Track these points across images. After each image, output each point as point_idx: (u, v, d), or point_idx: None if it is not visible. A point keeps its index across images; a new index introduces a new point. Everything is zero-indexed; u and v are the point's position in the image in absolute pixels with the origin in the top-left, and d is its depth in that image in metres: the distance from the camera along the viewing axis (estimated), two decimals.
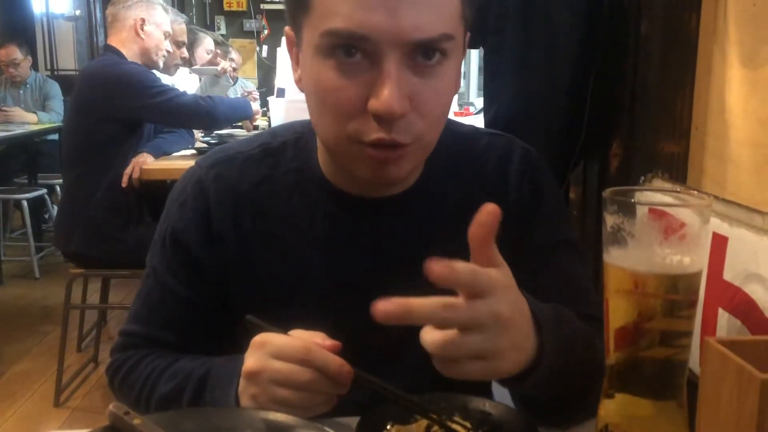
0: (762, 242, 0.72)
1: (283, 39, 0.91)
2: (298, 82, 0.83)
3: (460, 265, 0.68)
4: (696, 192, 0.92)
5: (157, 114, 2.66)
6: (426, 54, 0.73)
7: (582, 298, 0.90)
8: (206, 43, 4.22)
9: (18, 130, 4.68)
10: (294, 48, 0.83)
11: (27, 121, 4.96)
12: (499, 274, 0.71)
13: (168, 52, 2.93)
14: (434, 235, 0.89)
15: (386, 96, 0.71)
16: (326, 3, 0.72)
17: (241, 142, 0.96)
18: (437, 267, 0.67)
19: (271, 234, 0.89)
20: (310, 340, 0.73)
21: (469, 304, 0.68)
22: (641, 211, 0.66)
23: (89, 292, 3.28)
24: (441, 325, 0.69)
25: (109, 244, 2.65)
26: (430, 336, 0.69)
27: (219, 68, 3.90)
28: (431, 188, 0.90)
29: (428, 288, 0.85)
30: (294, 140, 0.92)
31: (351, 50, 0.72)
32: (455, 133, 0.94)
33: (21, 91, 5.25)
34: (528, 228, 0.92)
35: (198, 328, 0.91)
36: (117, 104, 2.59)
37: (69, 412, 2.76)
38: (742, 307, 0.74)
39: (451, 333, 0.68)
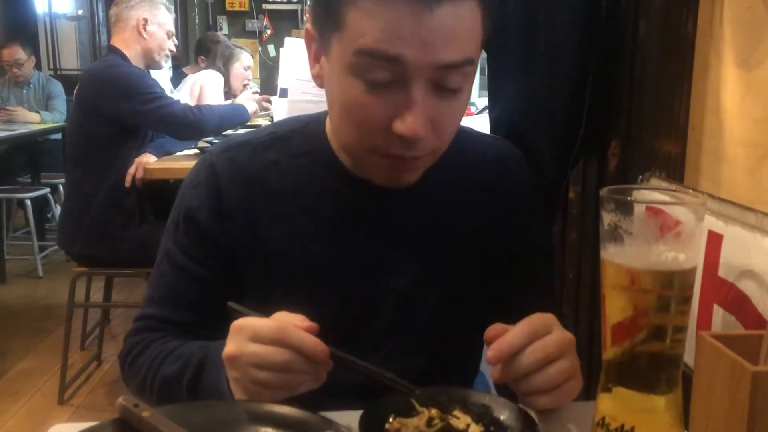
0: (755, 240, 0.74)
1: (286, 39, 0.95)
2: (316, 77, 0.87)
3: (515, 331, 0.77)
4: (691, 190, 0.94)
5: (147, 120, 2.66)
6: (449, 80, 0.78)
7: (555, 303, 1.01)
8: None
9: (21, 130, 4.69)
10: (314, 44, 0.86)
11: (30, 120, 4.97)
12: (537, 317, 0.79)
13: (171, 51, 2.93)
14: (437, 219, 0.95)
15: (412, 122, 0.76)
16: (360, 26, 0.75)
17: (249, 132, 1.01)
18: (495, 353, 0.76)
19: (279, 212, 0.93)
20: (286, 321, 0.76)
21: (548, 338, 0.76)
22: (637, 209, 0.68)
23: (92, 290, 3.30)
24: (539, 363, 0.76)
25: (112, 244, 2.67)
26: (530, 382, 0.76)
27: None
28: (438, 182, 0.94)
29: (430, 269, 0.95)
30: (301, 127, 0.96)
31: (380, 72, 0.76)
32: (461, 134, 0.97)
33: (24, 91, 5.26)
34: (518, 231, 0.99)
35: (211, 308, 0.92)
36: (114, 106, 2.61)
37: (73, 410, 2.78)
38: (736, 302, 0.76)
39: (548, 370, 0.76)
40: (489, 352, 0.76)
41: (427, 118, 0.77)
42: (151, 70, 2.93)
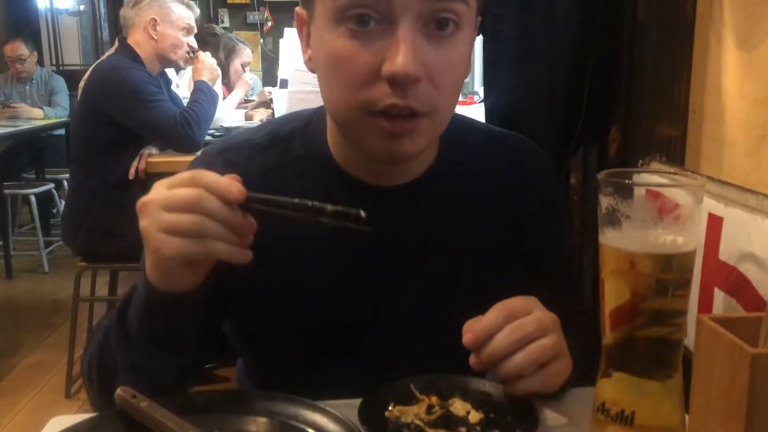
0: (756, 222, 0.73)
1: (286, 30, 0.91)
2: (308, 62, 0.83)
3: (490, 314, 0.74)
4: (689, 173, 0.93)
5: (140, 128, 2.62)
6: (439, 23, 0.73)
7: (573, 298, 0.96)
8: (244, 55, 4.00)
9: (25, 126, 4.71)
10: (304, 27, 0.82)
11: (33, 116, 4.98)
12: (515, 299, 0.76)
13: (190, 47, 2.85)
14: (444, 225, 0.89)
15: (401, 59, 0.70)
16: None
17: (247, 130, 0.95)
18: (470, 336, 0.73)
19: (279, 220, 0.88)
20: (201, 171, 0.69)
21: (527, 319, 0.73)
22: (635, 192, 0.67)
23: (98, 285, 3.31)
24: (518, 343, 0.73)
25: (115, 242, 2.66)
26: (508, 363, 0.72)
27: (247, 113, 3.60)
28: (443, 178, 0.89)
29: (436, 277, 0.89)
30: (302, 127, 0.91)
31: (364, 17, 0.71)
32: (469, 126, 0.95)
33: (27, 87, 5.27)
34: (539, 236, 0.93)
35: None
36: (113, 109, 2.60)
37: (80, 403, 2.80)
38: (737, 285, 0.75)
39: (528, 348, 0.72)
40: (465, 335, 0.73)
41: (418, 58, 0.71)
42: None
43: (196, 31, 2.88)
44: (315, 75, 0.82)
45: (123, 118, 2.60)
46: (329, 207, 0.67)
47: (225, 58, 3.87)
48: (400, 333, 0.87)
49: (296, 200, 0.68)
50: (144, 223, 0.69)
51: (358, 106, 0.75)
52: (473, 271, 0.89)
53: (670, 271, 0.67)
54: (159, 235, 0.67)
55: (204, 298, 0.74)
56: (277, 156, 0.89)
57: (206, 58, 2.86)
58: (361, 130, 0.77)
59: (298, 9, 0.82)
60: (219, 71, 2.91)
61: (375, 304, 0.88)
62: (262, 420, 0.73)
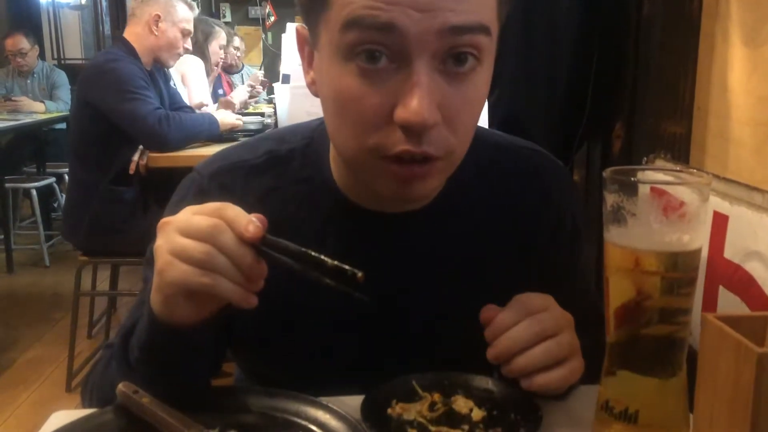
0: (762, 220, 0.73)
1: (288, 25, 0.87)
2: (311, 85, 0.76)
3: (508, 307, 0.73)
4: (695, 170, 0.92)
5: (120, 121, 2.60)
6: (459, 58, 0.66)
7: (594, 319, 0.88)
8: (220, 38, 4.10)
9: (26, 120, 4.70)
10: (306, 47, 0.76)
11: (35, 110, 4.98)
12: (532, 296, 0.75)
13: (185, 49, 2.86)
14: (453, 251, 0.84)
15: (416, 105, 0.64)
16: None
17: (244, 147, 0.89)
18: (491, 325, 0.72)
19: None
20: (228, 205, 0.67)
21: (545, 314, 0.73)
22: (641, 190, 0.67)
23: (99, 279, 3.31)
24: (536, 337, 0.72)
25: (115, 237, 2.67)
26: (526, 356, 0.71)
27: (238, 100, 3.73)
28: (454, 204, 0.83)
29: (444, 304, 0.85)
30: (302, 147, 0.85)
31: (375, 53, 0.65)
32: (482, 142, 0.84)
33: (28, 81, 5.27)
34: (556, 258, 0.89)
35: None
36: (102, 101, 2.59)
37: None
38: (742, 284, 0.75)
39: (547, 342, 0.72)
40: (486, 331, 0.73)
41: (434, 103, 0.65)
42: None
43: (192, 33, 2.88)
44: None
45: (107, 109, 2.59)
46: (329, 262, 0.64)
47: (204, 41, 3.91)
48: (406, 358, 0.84)
49: (310, 251, 0.65)
50: (158, 242, 0.67)
51: (367, 150, 0.69)
52: (483, 298, 0.81)
53: (675, 270, 0.67)
54: (167, 256, 0.65)
55: (210, 335, 0.71)
56: (276, 178, 0.84)
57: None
58: (370, 172, 0.72)
59: (299, 27, 0.76)
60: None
61: (383, 332, 0.85)
62: (264, 416, 0.73)
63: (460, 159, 0.74)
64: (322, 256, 0.64)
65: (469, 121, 0.71)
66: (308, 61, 0.76)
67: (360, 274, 0.63)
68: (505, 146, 0.90)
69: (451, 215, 0.83)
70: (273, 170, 0.84)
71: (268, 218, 0.79)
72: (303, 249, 0.65)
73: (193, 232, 0.64)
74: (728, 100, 0.89)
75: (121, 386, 0.72)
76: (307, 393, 0.74)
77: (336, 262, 0.64)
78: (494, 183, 0.86)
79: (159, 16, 2.72)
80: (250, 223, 0.64)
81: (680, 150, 1.01)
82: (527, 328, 0.72)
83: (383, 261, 0.81)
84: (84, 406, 0.82)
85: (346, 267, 0.63)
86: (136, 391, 0.71)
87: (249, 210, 0.72)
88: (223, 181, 0.84)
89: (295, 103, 2.42)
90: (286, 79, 2.69)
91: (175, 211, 0.83)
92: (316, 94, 0.75)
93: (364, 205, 0.82)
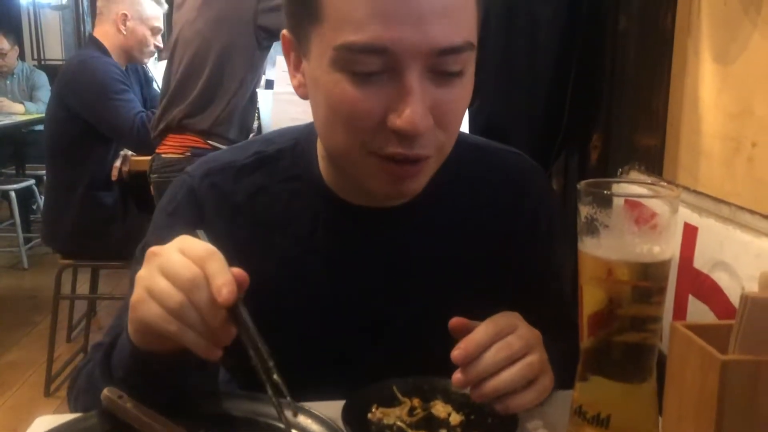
0: (728, 231, 0.76)
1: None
2: (298, 88, 0.78)
3: (479, 331, 0.73)
4: (665, 183, 0.95)
5: (99, 124, 2.59)
6: (448, 66, 0.69)
7: (564, 310, 0.93)
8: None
9: (5, 121, 4.66)
10: (293, 52, 0.77)
11: (14, 111, 4.93)
12: (501, 316, 0.75)
13: (156, 46, 2.83)
14: (436, 245, 0.87)
15: (409, 114, 0.67)
16: (340, 13, 0.66)
17: (233, 149, 0.92)
18: (459, 353, 0.72)
19: (269, 244, 0.85)
20: (219, 254, 0.66)
21: (513, 336, 0.73)
22: (613, 203, 0.69)
23: (78, 282, 3.29)
24: (505, 361, 0.72)
25: (95, 241, 2.65)
26: (497, 380, 0.72)
27: None
28: (435, 197, 0.85)
29: (427, 297, 0.87)
30: (290, 147, 0.88)
31: (369, 64, 0.67)
32: (461, 143, 0.87)
33: (8, 82, 5.22)
34: (534, 256, 0.92)
35: None
36: (80, 103, 2.57)
37: (60, 402, 2.78)
38: (710, 293, 0.78)
39: (516, 365, 0.73)
40: (454, 351, 0.72)
41: (426, 109, 0.68)
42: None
43: (162, 30, 2.85)
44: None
45: (87, 113, 2.57)
46: (274, 376, 0.65)
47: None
48: (392, 353, 0.86)
49: (265, 352, 0.65)
50: (141, 272, 0.67)
51: (359, 148, 0.72)
52: (463, 289, 0.87)
53: (645, 279, 0.69)
54: (143, 293, 0.65)
55: (191, 357, 0.68)
56: (265, 177, 0.86)
57: None
58: (363, 171, 0.74)
59: (285, 33, 0.78)
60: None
61: (368, 325, 0.87)
62: (247, 420, 0.74)
63: (447, 153, 0.77)
64: (270, 364, 0.64)
65: (458, 119, 0.75)
66: (295, 65, 0.78)
67: (290, 402, 0.65)
68: (484, 147, 0.94)
69: (434, 211, 0.86)
70: (262, 169, 0.86)
71: (258, 215, 0.84)
72: (259, 344, 0.65)
73: (173, 277, 0.64)
74: (699, 114, 0.92)
75: (105, 391, 0.73)
76: (291, 389, 0.74)
77: (278, 379, 0.64)
78: (474, 181, 0.89)
79: (126, 15, 2.68)
80: (226, 285, 0.62)
81: (654, 162, 1.04)
82: (496, 354, 0.72)
83: (370, 254, 0.85)
84: (70, 410, 0.83)
85: (284, 389, 0.64)
86: (121, 396, 0.72)
87: (240, 209, 0.76)
88: (213, 181, 0.85)
89: (279, 108, 2.43)
90: (270, 84, 2.70)
91: (164, 219, 0.87)
92: (304, 97, 0.77)
93: (352, 202, 0.84)
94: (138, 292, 0.66)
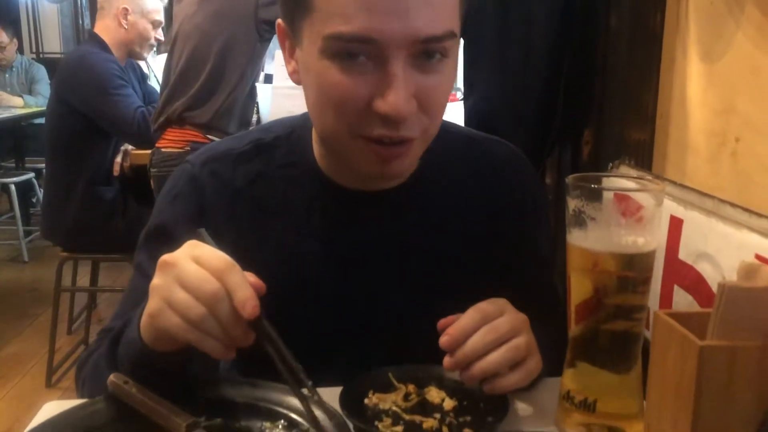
0: (711, 224, 0.78)
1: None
2: (293, 74, 0.83)
3: (465, 316, 0.76)
4: (651, 177, 0.98)
5: (101, 120, 2.60)
6: (430, 54, 0.73)
7: (549, 297, 0.97)
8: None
9: (4, 114, 4.67)
10: (287, 40, 0.82)
11: (13, 105, 4.94)
12: (488, 302, 0.78)
13: (157, 39, 2.84)
14: (427, 228, 0.91)
15: (393, 99, 0.71)
16: (330, 5, 0.71)
17: (231, 139, 0.96)
18: (446, 338, 0.75)
19: (267, 228, 0.89)
20: (236, 265, 0.68)
21: (500, 320, 0.76)
22: (600, 196, 0.72)
23: (79, 274, 3.31)
24: (492, 344, 0.75)
25: (95, 237, 2.67)
26: (485, 362, 0.75)
27: None
28: (427, 183, 0.90)
29: (419, 278, 0.91)
30: (286, 135, 0.92)
31: (356, 54, 0.71)
32: (452, 133, 0.95)
33: (7, 75, 5.23)
34: (520, 242, 0.95)
35: None
36: (80, 100, 2.58)
37: (61, 392, 2.81)
38: (694, 283, 0.81)
39: (503, 348, 0.75)
40: (442, 338, 0.75)
41: (410, 95, 0.72)
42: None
43: (163, 23, 2.84)
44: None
45: (86, 108, 2.58)
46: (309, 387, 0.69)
47: None
48: (383, 333, 0.90)
49: (295, 364, 0.68)
50: (157, 281, 0.68)
51: (348, 131, 0.76)
52: (454, 273, 0.91)
53: (631, 270, 0.72)
54: (161, 303, 0.67)
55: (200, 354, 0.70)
56: (262, 164, 0.90)
57: None
58: (351, 151, 0.78)
59: (279, 22, 0.82)
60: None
61: (360, 307, 0.90)
62: (248, 405, 0.76)
63: (433, 136, 0.81)
64: (301, 376, 0.68)
65: (441, 103, 0.79)
66: (289, 52, 0.82)
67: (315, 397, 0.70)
68: (472, 137, 0.98)
69: (425, 197, 0.90)
70: (259, 156, 0.90)
71: (257, 200, 0.88)
72: (288, 357, 0.68)
73: (193, 290, 0.66)
74: (687, 111, 0.95)
75: (112, 377, 0.75)
76: None
77: (310, 393, 0.69)
78: (462, 167, 0.93)
79: (127, 9, 2.68)
80: (249, 300, 0.65)
81: (643, 157, 1.07)
82: (483, 337, 0.75)
83: (364, 237, 0.89)
84: (77, 396, 0.86)
85: (318, 397, 0.69)
86: (126, 381, 0.74)
87: (238, 194, 0.79)
88: (213, 168, 0.89)
89: (277, 103, 2.46)
90: (269, 78, 2.72)
91: (166, 206, 0.90)
92: (297, 83, 0.82)
93: (346, 186, 0.88)
94: (156, 303, 0.68)
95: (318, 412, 0.74)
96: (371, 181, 0.88)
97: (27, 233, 4.62)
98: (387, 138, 0.75)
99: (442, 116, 0.81)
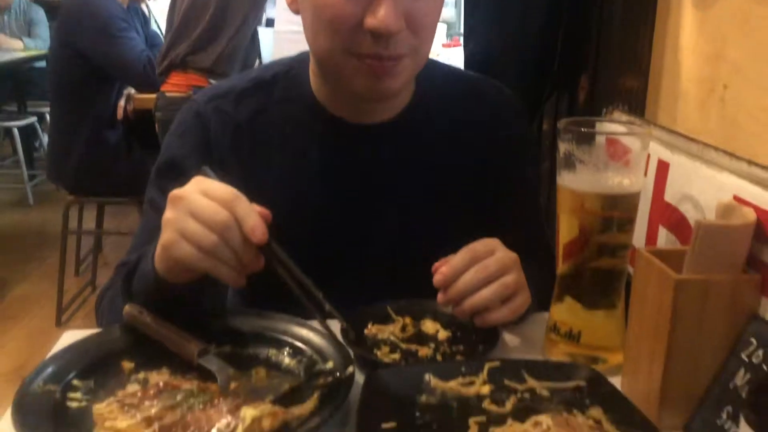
0: (695, 167, 0.82)
1: None
2: (292, 3, 0.88)
3: (457, 256, 0.80)
4: (638, 121, 1.01)
5: (106, 63, 2.60)
6: None
7: (538, 235, 1.02)
8: None
9: (5, 57, 4.63)
10: None
11: (13, 47, 4.88)
12: (479, 242, 0.82)
13: None
14: (421, 159, 0.96)
15: (383, 14, 0.76)
16: None
17: (234, 78, 1.01)
18: (439, 276, 0.80)
19: (269, 160, 0.94)
20: (242, 196, 0.71)
21: (490, 259, 0.80)
22: (590, 139, 0.76)
23: (84, 218, 3.36)
24: (483, 281, 0.79)
25: (101, 179, 2.71)
26: (475, 298, 0.79)
27: None
28: (420, 116, 0.95)
29: (414, 208, 0.96)
30: (284, 72, 0.96)
31: None
32: (445, 70, 1.01)
33: (5, 17, 5.15)
34: (508, 172, 1.00)
35: None
36: (85, 44, 2.57)
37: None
38: (678, 224, 0.85)
39: (492, 285, 0.79)
40: (436, 276, 0.80)
41: (399, 12, 0.77)
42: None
43: None
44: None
45: (92, 52, 2.58)
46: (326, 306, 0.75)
47: None
48: (380, 260, 0.96)
49: (305, 279, 0.74)
50: (169, 215, 0.71)
51: (341, 49, 0.81)
52: (447, 202, 0.96)
53: (616, 210, 0.76)
54: (175, 235, 0.70)
55: (212, 282, 0.75)
56: (263, 100, 0.94)
57: None
58: (345, 70, 0.83)
59: None
60: None
61: (359, 235, 0.96)
62: (256, 334, 0.81)
63: (424, 60, 0.86)
64: (312, 289, 0.74)
65: (430, 25, 0.83)
66: None
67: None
68: (461, 74, 1.05)
69: (419, 128, 0.95)
70: (260, 92, 0.95)
71: (258, 134, 0.93)
72: (301, 275, 0.74)
73: (205, 220, 0.69)
74: (679, 59, 0.97)
75: (127, 307, 0.80)
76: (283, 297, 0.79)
77: (330, 309, 0.75)
78: (453, 103, 0.98)
79: None
80: (258, 227, 0.69)
81: (637, 103, 1.09)
82: (474, 275, 0.79)
83: (360, 167, 0.94)
84: (97, 325, 0.92)
85: (338, 316, 0.77)
86: (141, 311, 0.79)
87: (241, 129, 0.84)
88: (217, 104, 0.94)
89: (279, 47, 2.46)
90: (270, 22, 2.71)
91: (174, 141, 0.94)
92: (296, 12, 0.87)
93: (343, 117, 0.93)
94: (169, 235, 0.71)
95: (320, 341, 0.79)
96: (366, 107, 0.92)
97: (31, 177, 4.65)
98: (377, 55, 0.79)
99: (431, 38, 0.85)
